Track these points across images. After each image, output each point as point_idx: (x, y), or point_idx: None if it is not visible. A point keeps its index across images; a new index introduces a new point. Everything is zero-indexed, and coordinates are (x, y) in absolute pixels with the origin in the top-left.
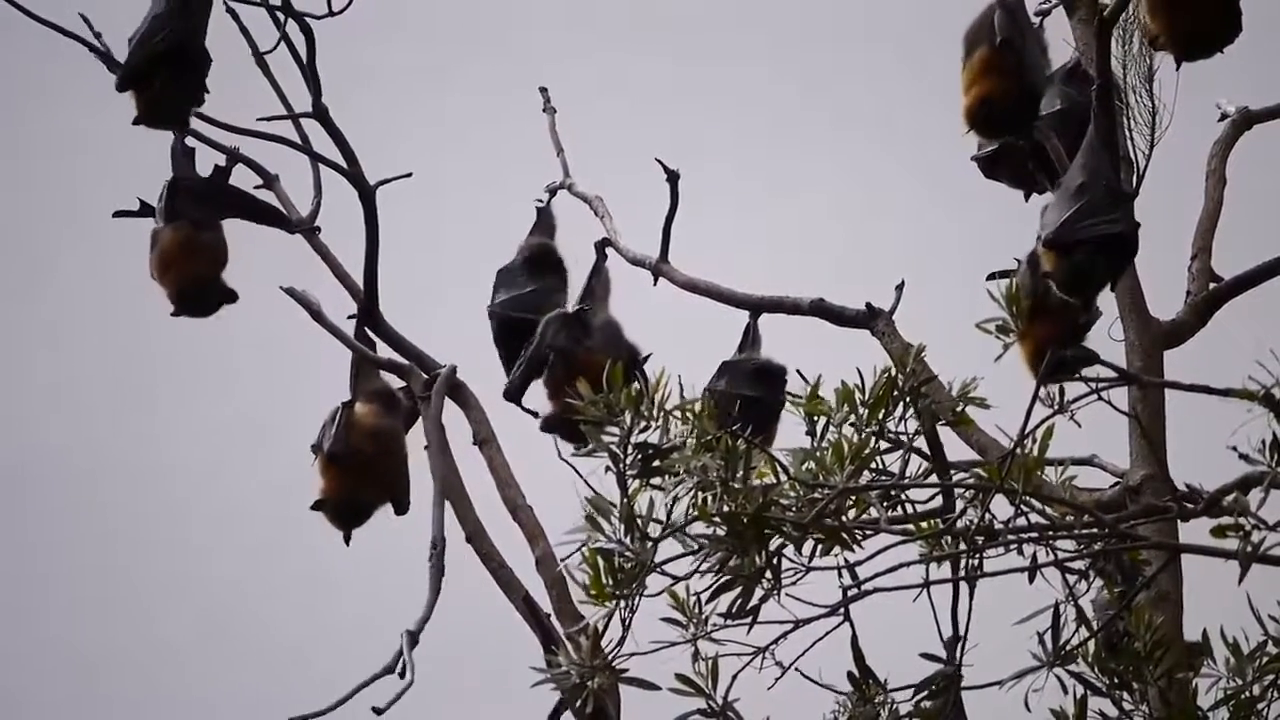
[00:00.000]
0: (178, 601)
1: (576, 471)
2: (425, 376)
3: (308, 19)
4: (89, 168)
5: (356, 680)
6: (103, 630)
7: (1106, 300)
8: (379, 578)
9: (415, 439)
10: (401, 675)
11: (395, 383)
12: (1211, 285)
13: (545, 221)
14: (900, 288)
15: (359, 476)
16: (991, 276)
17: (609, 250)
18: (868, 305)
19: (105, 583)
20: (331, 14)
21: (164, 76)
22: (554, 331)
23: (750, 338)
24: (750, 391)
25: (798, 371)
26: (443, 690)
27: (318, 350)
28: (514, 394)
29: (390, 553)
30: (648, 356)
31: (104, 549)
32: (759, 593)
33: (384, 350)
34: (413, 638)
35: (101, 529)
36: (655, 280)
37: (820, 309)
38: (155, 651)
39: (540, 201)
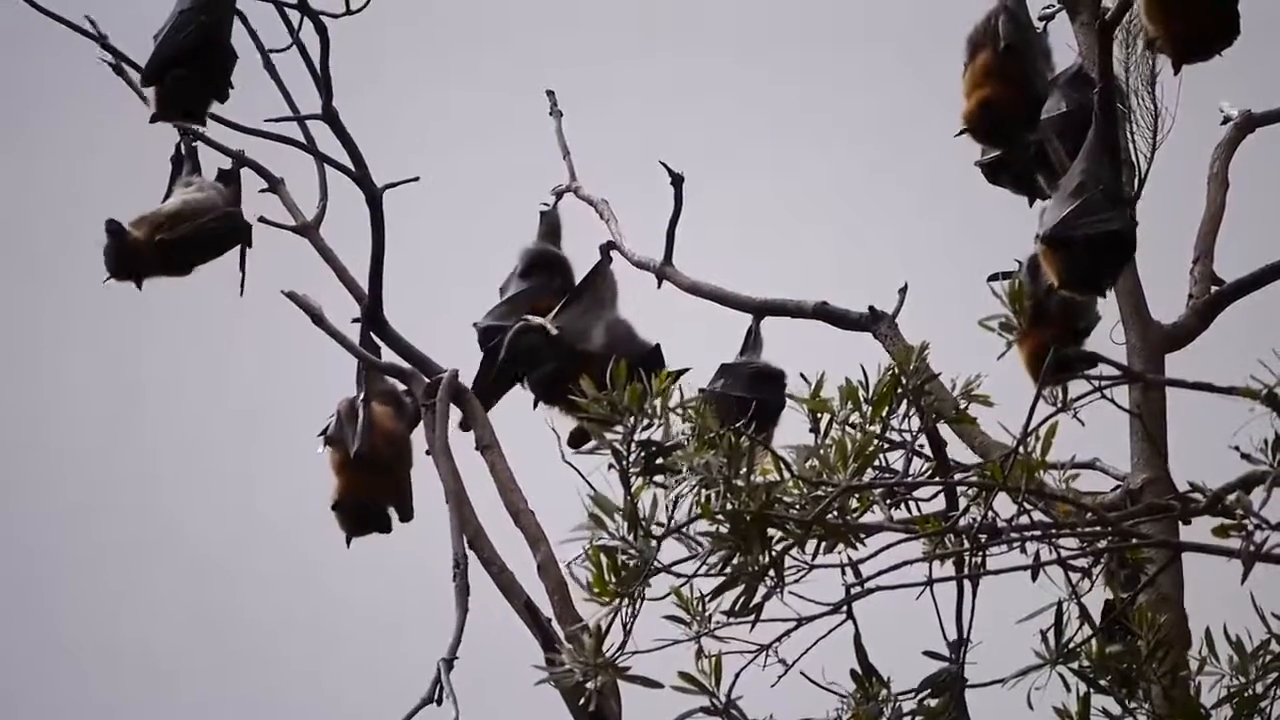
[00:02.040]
0: (183, 623)
1: (579, 472)
2: (428, 381)
3: (323, 19)
4: (90, 171)
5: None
6: (106, 651)
7: (1108, 303)
8: (388, 586)
9: (416, 443)
10: (440, 704)
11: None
12: (1213, 288)
13: (548, 225)
14: (903, 291)
15: (376, 479)
16: (992, 278)
17: (614, 253)
18: (870, 309)
19: (104, 602)
20: (349, 12)
21: (188, 72)
22: (517, 342)
23: (752, 340)
24: (748, 394)
25: (800, 375)
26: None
27: (321, 354)
28: (483, 397)
29: (395, 558)
30: (656, 347)
31: (103, 565)
32: (762, 590)
33: (387, 354)
34: (448, 665)
35: (99, 540)
36: (659, 283)
37: (823, 312)
38: (164, 679)
39: (545, 205)
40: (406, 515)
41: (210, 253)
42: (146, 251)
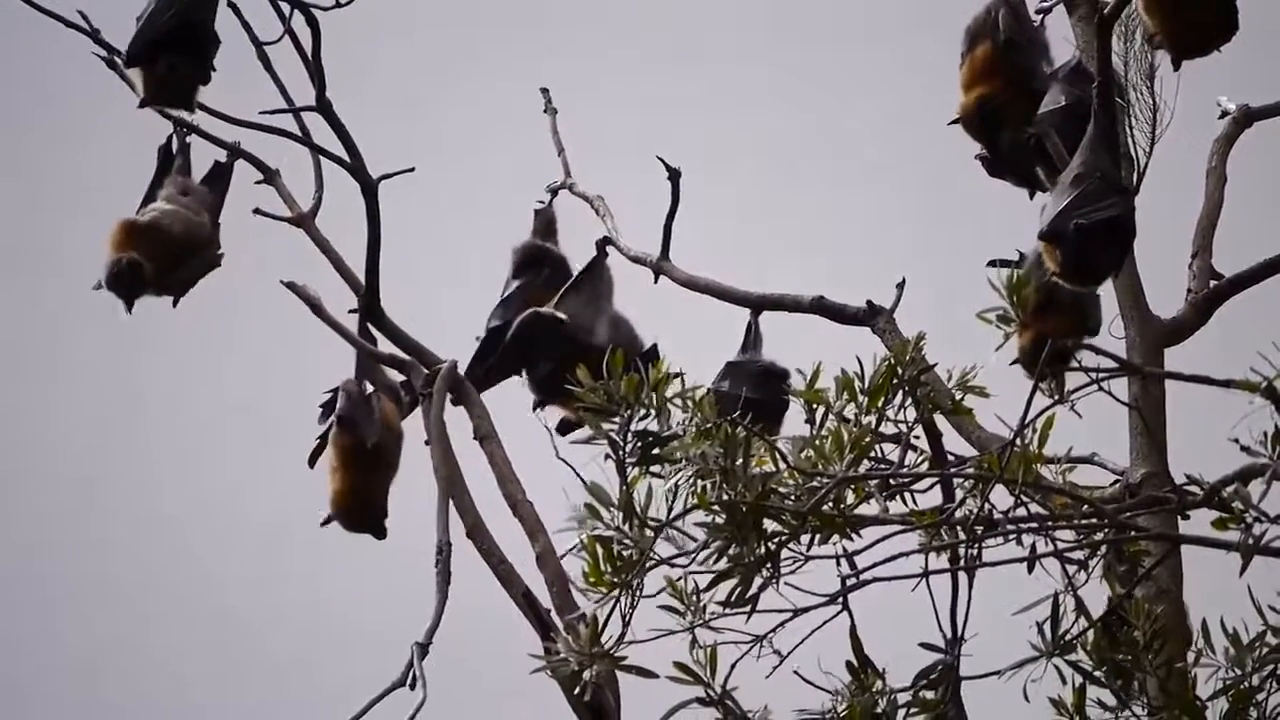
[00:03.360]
0: (174, 611)
1: (571, 467)
2: (426, 371)
3: (314, 10)
4: (84, 165)
5: (360, 688)
6: (99, 642)
7: (1107, 298)
8: (379, 576)
9: (413, 432)
10: (413, 688)
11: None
12: (1212, 283)
13: (543, 222)
14: (901, 285)
15: (379, 474)
16: (991, 264)
17: (610, 249)
18: (868, 303)
19: (100, 591)
20: (338, 5)
21: (172, 55)
22: (523, 328)
23: (752, 336)
24: (753, 393)
25: (797, 370)
26: (446, 688)
27: (318, 345)
28: (476, 381)
29: (390, 549)
30: (653, 347)
31: (101, 555)
32: (758, 581)
33: (385, 345)
34: (423, 649)
35: (98, 534)
36: (656, 278)
37: (821, 306)
38: (155, 665)
39: (540, 203)
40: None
41: (192, 284)
42: (151, 280)
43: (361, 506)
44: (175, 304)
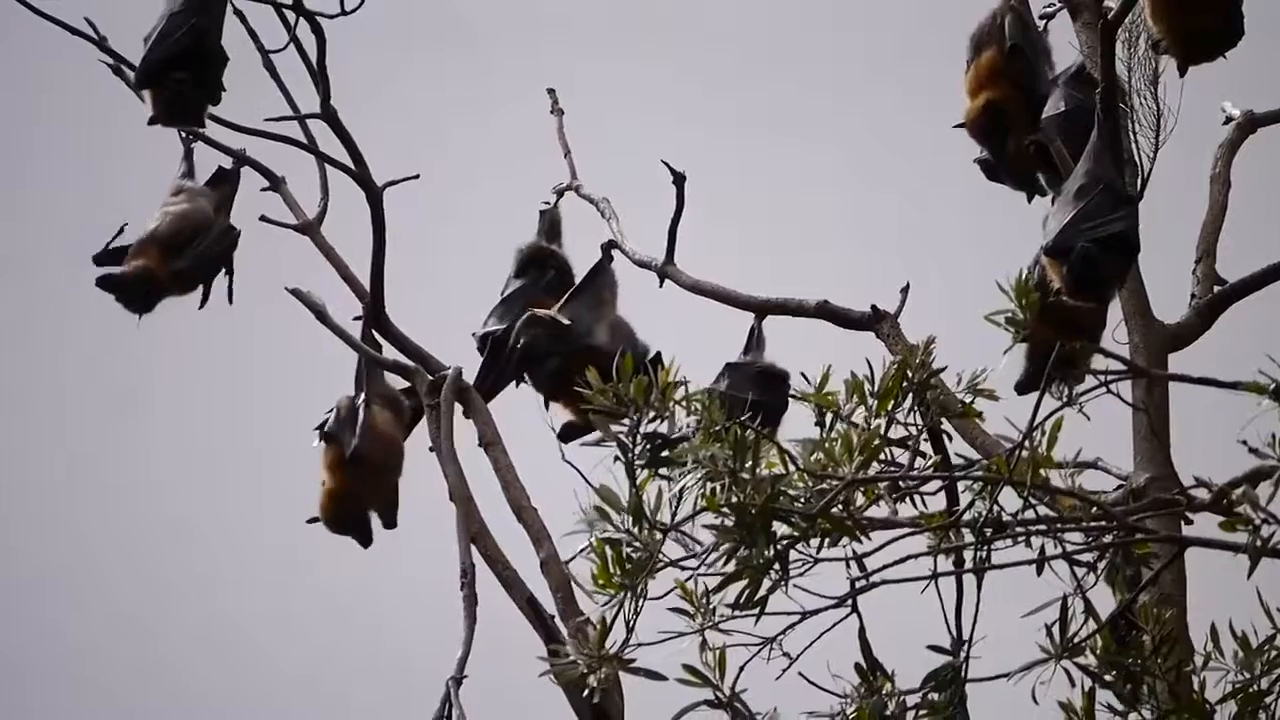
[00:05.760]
0: (183, 626)
1: (578, 471)
2: (431, 378)
3: (319, 19)
4: (92, 169)
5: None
6: (103, 649)
7: (1111, 304)
8: (394, 591)
9: (417, 441)
10: None
11: (399, 383)
12: (1216, 288)
13: (548, 223)
14: (905, 290)
15: (366, 482)
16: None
17: (615, 252)
18: (873, 307)
19: (104, 600)
20: (344, 13)
21: (182, 74)
22: (527, 333)
23: (755, 340)
24: (752, 395)
25: (802, 374)
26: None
27: (323, 351)
28: (486, 393)
29: (397, 553)
30: (656, 355)
31: (104, 567)
32: (767, 584)
33: (389, 351)
34: (457, 683)
35: (100, 542)
36: (661, 282)
37: (825, 311)
38: (165, 677)
39: (546, 204)
40: (390, 523)
41: (215, 272)
42: (163, 281)
43: (342, 512)
44: (202, 304)
